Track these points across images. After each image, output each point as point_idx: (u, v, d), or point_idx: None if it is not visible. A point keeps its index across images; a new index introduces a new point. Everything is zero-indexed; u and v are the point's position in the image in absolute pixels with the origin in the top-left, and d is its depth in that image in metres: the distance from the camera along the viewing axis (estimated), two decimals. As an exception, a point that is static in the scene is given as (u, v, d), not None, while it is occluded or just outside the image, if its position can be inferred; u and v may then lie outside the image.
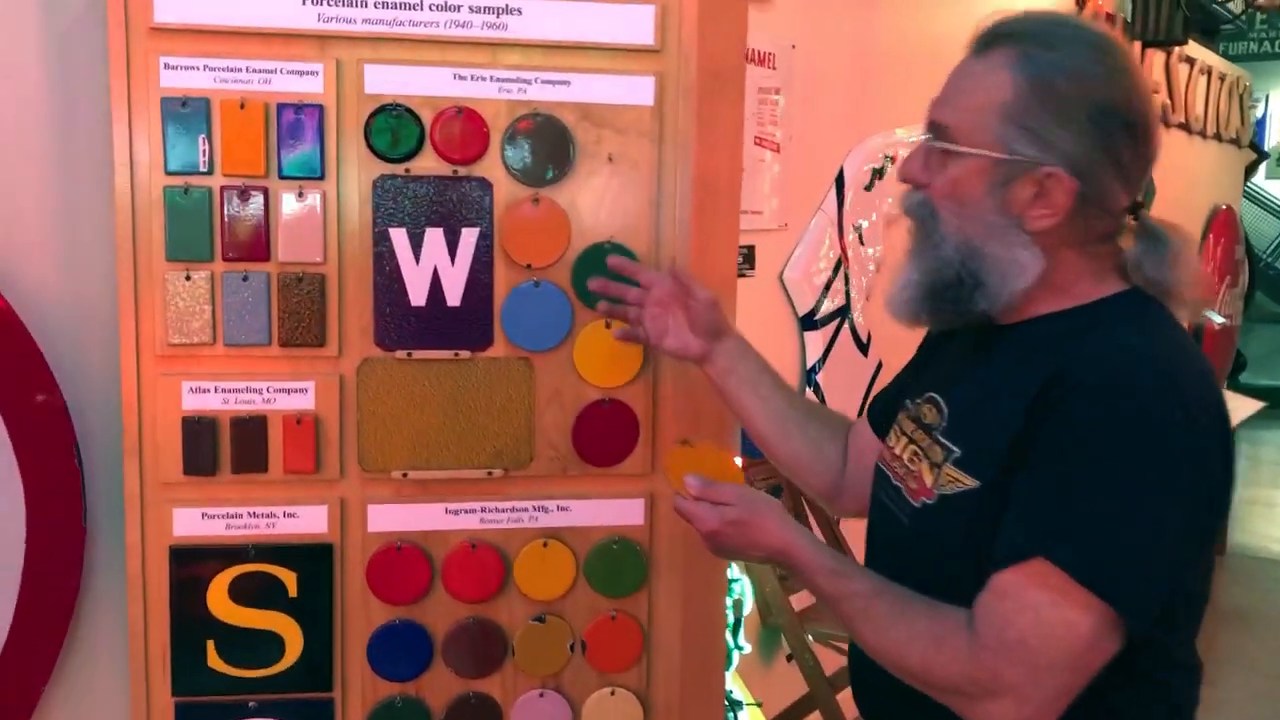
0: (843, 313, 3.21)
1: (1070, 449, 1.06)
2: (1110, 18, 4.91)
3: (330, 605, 1.58)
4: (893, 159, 3.30)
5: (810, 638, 2.66)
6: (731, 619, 2.47)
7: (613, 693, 1.67)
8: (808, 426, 1.51)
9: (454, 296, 1.56)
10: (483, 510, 1.61)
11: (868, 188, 3.26)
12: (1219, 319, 7.00)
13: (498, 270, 1.57)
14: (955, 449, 1.18)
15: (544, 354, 1.60)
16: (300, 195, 1.50)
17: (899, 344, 1.52)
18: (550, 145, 1.55)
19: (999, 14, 1.19)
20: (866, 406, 1.50)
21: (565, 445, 1.62)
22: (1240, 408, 5.09)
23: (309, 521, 1.56)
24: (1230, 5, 6.69)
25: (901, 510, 1.25)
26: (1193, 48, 6.00)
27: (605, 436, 1.62)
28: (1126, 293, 1.18)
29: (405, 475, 1.58)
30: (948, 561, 1.16)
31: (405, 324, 1.56)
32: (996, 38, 1.17)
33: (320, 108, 1.49)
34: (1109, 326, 1.13)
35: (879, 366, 3.41)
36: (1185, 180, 6.40)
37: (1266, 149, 10.46)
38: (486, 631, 1.62)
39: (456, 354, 1.57)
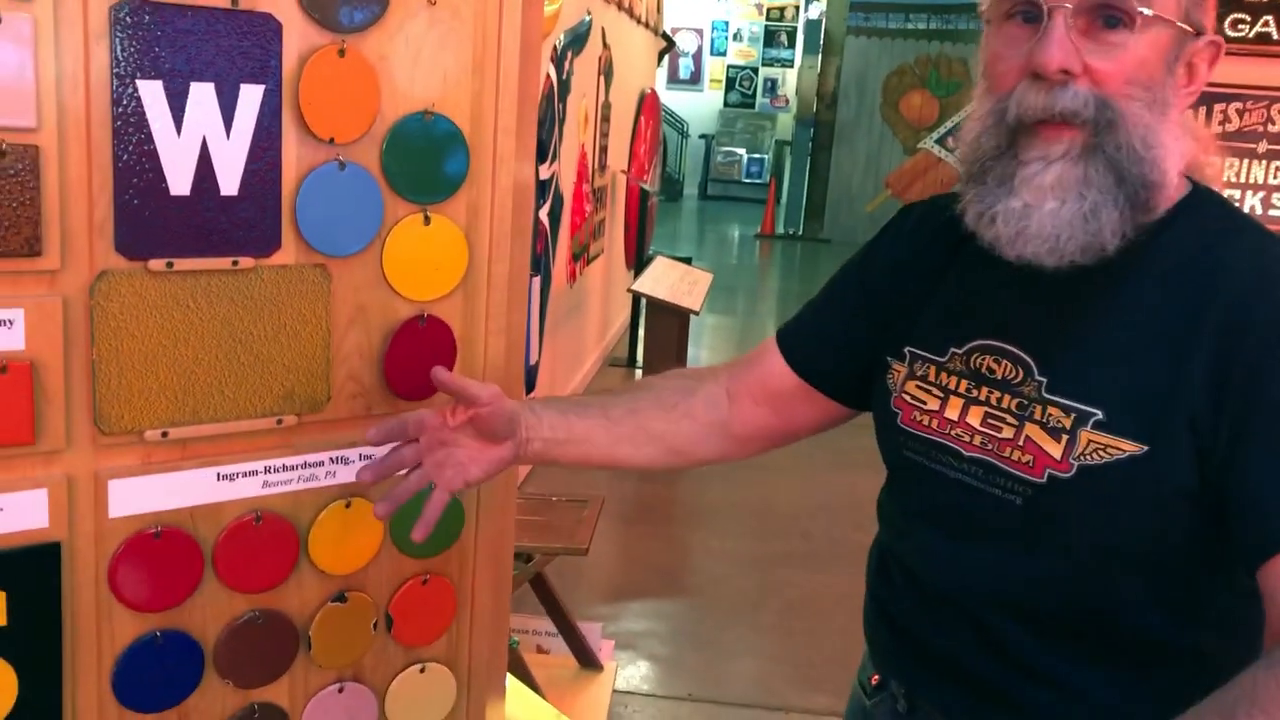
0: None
1: None
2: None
3: (58, 630, 1.09)
4: None
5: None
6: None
7: (423, 670, 1.36)
8: (651, 423, 1.27)
9: (229, 182, 1.11)
10: (267, 471, 1.20)
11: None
12: (654, 192, 7.59)
13: (288, 145, 1.14)
14: (1094, 410, 0.98)
15: (344, 260, 1.21)
16: (-2, 21, 0.96)
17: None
18: (359, -24, 1.15)
19: None
20: (785, 342, 1.27)
21: (372, 377, 1.25)
22: (701, 280, 5.55)
23: (21, 514, 1.06)
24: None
25: (1008, 489, 1.03)
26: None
27: (421, 363, 1.27)
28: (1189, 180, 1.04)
29: (165, 435, 1.12)
30: (1081, 546, 1.00)
31: (163, 221, 1.08)
32: None
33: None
34: (1239, 227, 1.00)
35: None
36: (630, 63, 6.76)
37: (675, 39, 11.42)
38: (274, 626, 1.23)
39: (235, 262, 1.13)
